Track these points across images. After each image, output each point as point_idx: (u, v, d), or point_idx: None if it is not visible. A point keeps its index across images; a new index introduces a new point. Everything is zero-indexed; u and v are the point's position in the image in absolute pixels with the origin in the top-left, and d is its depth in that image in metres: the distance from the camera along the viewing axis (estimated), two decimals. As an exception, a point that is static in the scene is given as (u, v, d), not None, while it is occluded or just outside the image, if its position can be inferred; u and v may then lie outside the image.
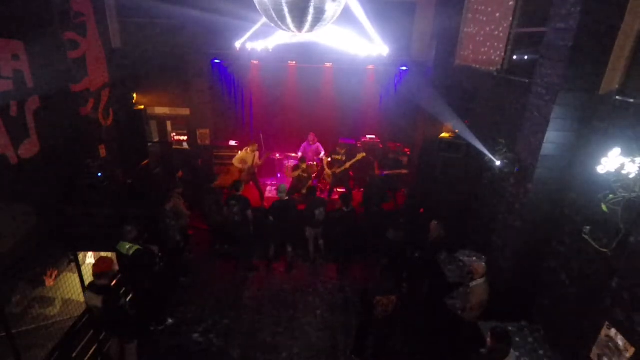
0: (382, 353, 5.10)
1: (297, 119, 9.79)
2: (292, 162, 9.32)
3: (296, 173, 8.17)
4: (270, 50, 7.10)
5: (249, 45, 7.27)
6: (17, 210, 5.52)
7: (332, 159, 8.43)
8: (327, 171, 8.40)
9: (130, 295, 5.52)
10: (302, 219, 7.16)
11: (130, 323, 4.64)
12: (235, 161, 8.35)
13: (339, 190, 8.67)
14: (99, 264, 4.33)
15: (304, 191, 8.06)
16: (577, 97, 4.09)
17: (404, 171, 8.29)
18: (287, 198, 6.86)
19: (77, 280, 4.65)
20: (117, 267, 4.43)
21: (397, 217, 7.09)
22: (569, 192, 4.37)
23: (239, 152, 8.62)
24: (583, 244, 4.02)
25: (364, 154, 8.30)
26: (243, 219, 6.67)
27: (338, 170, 8.31)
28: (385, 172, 8.29)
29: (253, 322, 5.92)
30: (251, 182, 8.77)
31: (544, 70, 4.35)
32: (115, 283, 5.02)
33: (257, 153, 8.47)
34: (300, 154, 9.39)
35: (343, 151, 8.37)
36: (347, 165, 8.26)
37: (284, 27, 3.19)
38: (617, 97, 3.80)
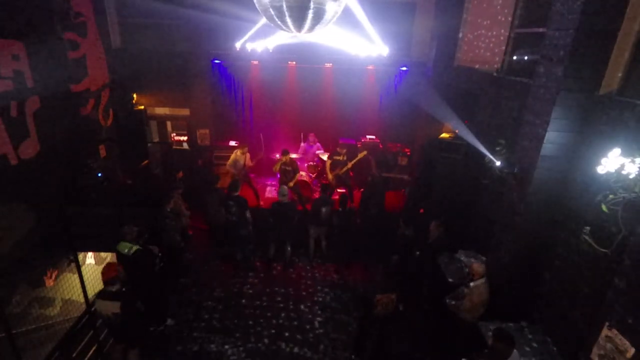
0: (382, 353, 5.09)
1: (297, 119, 9.78)
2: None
3: (277, 167, 8.18)
4: (271, 51, 7.11)
5: (249, 46, 7.28)
6: (17, 210, 5.52)
7: (333, 160, 8.43)
8: (329, 174, 8.40)
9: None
10: (307, 217, 7.15)
11: (142, 326, 4.67)
12: (228, 165, 8.35)
13: (339, 190, 8.66)
14: (105, 271, 4.33)
15: (291, 184, 8.00)
16: (577, 97, 4.09)
17: (406, 177, 8.18)
18: (286, 201, 6.88)
19: (77, 280, 4.64)
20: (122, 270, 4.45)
21: (405, 214, 7.10)
22: (568, 192, 4.37)
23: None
24: (583, 244, 4.02)
25: (365, 152, 8.30)
26: (241, 220, 6.68)
27: (341, 172, 8.31)
28: (384, 175, 8.25)
29: (253, 322, 5.92)
30: (245, 184, 8.77)
31: (543, 70, 4.35)
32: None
33: (247, 155, 8.38)
34: (300, 154, 9.39)
35: (344, 151, 8.37)
36: (350, 165, 8.26)
37: (284, 28, 3.19)
38: (617, 97, 3.80)
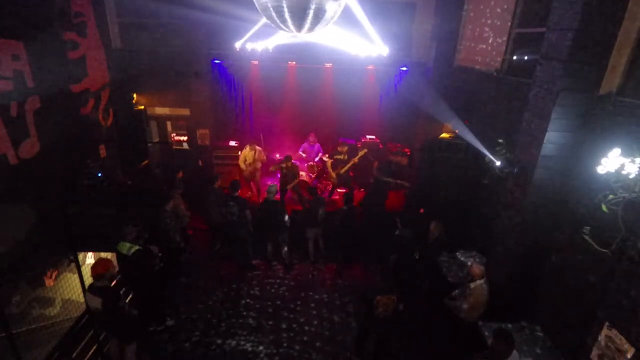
0: (382, 353, 5.09)
1: (297, 119, 9.78)
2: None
3: (274, 168, 8.26)
4: (270, 51, 7.10)
5: (249, 46, 7.27)
6: (17, 211, 5.52)
7: (334, 159, 8.41)
8: (332, 173, 8.39)
9: (130, 296, 5.52)
10: (304, 219, 7.17)
11: (130, 324, 4.63)
12: (240, 162, 8.62)
13: (339, 190, 8.65)
14: (96, 265, 4.32)
15: (288, 187, 8.12)
16: (577, 97, 4.09)
17: (406, 184, 8.09)
18: (272, 199, 6.90)
19: (77, 280, 4.64)
20: (116, 269, 4.41)
21: (403, 215, 7.09)
22: (568, 192, 4.37)
23: (240, 152, 8.77)
24: (583, 244, 4.02)
25: (366, 150, 8.29)
26: (241, 219, 6.69)
27: (342, 171, 8.30)
28: (384, 178, 8.13)
29: (253, 322, 5.92)
30: (251, 181, 8.81)
31: (544, 70, 4.36)
32: (115, 284, 5.02)
33: (257, 150, 8.54)
34: (301, 153, 9.40)
35: (345, 149, 8.36)
36: (351, 164, 8.26)
37: (284, 28, 3.18)
38: (617, 97, 3.81)
